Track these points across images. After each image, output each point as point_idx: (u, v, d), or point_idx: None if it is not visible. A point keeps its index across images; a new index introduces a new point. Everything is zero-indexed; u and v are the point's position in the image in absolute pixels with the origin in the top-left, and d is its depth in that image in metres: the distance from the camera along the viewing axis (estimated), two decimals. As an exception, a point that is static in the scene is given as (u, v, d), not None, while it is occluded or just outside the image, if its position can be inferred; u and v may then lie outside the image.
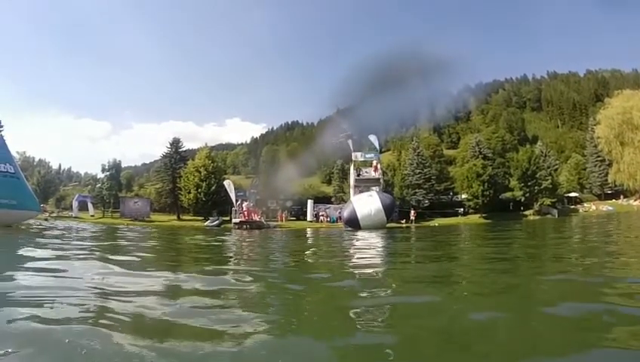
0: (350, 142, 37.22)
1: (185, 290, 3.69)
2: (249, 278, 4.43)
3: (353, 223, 27.10)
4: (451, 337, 2.30)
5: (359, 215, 27.17)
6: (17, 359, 1.80)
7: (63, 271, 4.63)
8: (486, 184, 41.54)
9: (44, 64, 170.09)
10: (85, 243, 10.06)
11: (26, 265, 4.96)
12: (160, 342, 2.11)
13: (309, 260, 7.41)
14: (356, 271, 5.57)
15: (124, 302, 3.01)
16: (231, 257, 8.16)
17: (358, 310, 2.94)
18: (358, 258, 7.80)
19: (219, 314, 2.80)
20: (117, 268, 4.94)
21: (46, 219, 32.52)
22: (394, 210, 30.54)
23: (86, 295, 3.23)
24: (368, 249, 9.81)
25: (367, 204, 27.83)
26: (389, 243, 12.33)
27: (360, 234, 19.02)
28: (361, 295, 3.64)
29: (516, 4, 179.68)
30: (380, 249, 9.92)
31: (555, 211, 39.92)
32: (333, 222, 38.95)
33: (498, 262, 6.32)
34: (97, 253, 7.52)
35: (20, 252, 6.91)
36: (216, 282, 4.17)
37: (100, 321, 2.45)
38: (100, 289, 3.50)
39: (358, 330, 2.44)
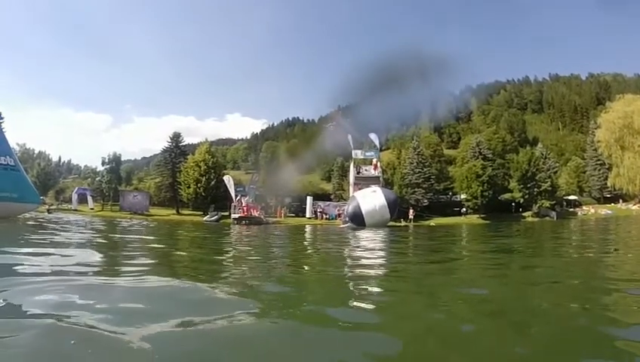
0: (350, 138, 37.17)
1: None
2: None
3: (357, 219, 26.54)
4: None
5: (364, 211, 26.65)
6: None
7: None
8: (485, 185, 41.52)
9: (46, 58, 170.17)
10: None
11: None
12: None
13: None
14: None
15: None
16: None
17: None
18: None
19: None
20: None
21: (49, 211, 32.45)
22: (397, 207, 30.13)
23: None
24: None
25: (371, 199, 27.35)
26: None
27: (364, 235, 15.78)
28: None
29: (519, 5, 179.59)
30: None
31: (553, 213, 39.85)
32: (332, 219, 38.98)
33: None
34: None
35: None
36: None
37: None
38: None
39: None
